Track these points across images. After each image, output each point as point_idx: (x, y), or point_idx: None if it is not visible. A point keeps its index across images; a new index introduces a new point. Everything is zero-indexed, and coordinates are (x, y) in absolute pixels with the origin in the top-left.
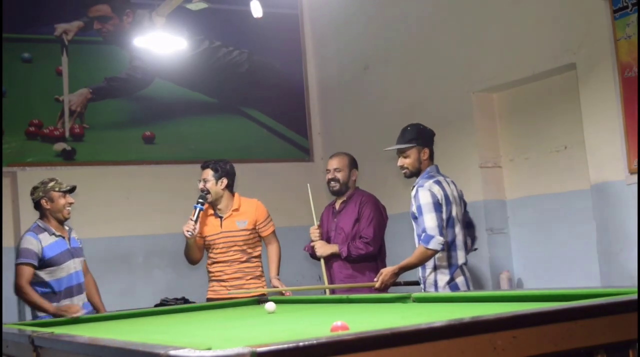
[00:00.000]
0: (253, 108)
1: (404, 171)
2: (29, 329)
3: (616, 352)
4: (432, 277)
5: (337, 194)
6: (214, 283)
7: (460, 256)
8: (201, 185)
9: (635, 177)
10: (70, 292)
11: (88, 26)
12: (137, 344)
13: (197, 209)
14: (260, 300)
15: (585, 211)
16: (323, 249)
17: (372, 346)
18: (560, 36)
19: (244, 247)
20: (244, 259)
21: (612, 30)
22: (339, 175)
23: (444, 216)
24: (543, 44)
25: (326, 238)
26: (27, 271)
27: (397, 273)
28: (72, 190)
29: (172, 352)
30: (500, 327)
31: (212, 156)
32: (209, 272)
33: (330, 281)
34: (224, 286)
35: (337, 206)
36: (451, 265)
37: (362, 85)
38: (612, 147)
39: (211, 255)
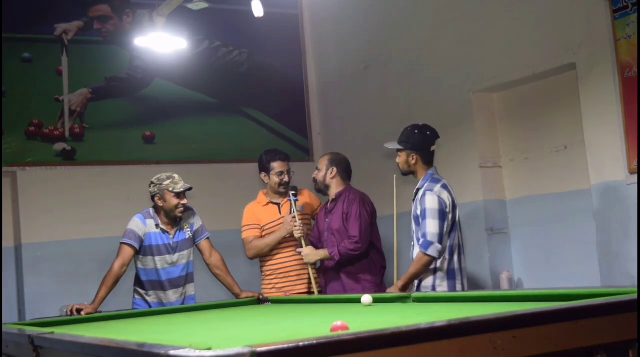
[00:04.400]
0: (253, 108)
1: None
2: (29, 329)
3: (616, 352)
4: (430, 281)
5: (319, 192)
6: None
7: (460, 260)
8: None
9: (635, 177)
10: (165, 284)
11: (88, 26)
12: (137, 344)
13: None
14: (260, 300)
15: (585, 211)
16: (311, 256)
17: (372, 346)
18: (560, 36)
19: None
20: None
21: (612, 30)
22: (318, 176)
23: (449, 222)
24: (543, 44)
25: (319, 239)
26: (126, 252)
27: (405, 286)
28: (187, 190)
29: (172, 352)
30: (500, 327)
31: (212, 156)
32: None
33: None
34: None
35: (329, 205)
36: (450, 270)
37: (362, 85)
38: (612, 147)
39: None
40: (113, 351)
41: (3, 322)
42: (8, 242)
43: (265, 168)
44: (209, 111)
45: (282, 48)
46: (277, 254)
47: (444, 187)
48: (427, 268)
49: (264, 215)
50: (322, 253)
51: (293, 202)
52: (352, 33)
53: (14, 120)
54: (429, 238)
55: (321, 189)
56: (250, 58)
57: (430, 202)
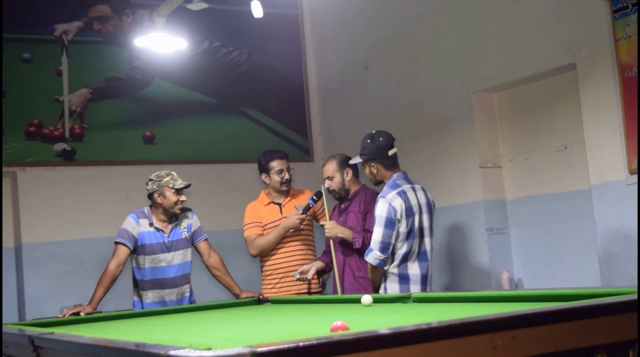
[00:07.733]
0: (253, 108)
1: None
2: (29, 329)
3: (616, 352)
4: (381, 286)
5: (341, 200)
6: None
7: (417, 267)
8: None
9: (635, 177)
10: (160, 284)
11: (88, 26)
12: (137, 344)
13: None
14: (260, 300)
15: (585, 211)
16: (334, 230)
17: (372, 346)
18: (560, 36)
19: None
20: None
21: (612, 30)
22: (333, 185)
23: (403, 229)
24: (543, 44)
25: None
26: (121, 251)
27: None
28: (186, 187)
29: (172, 352)
30: (500, 327)
31: (212, 156)
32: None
33: (341, 276)
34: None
35: (343, 205)
36: (402, 276)
37: (362, 85)
38: (612, 147)
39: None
40: (113, 351)
41: (3, 322)
42: (8, 243)
43: (264, 169)
44: (208, 111)
45: (282, 48)
46: (276, 253)
47: (401, 193)
48: (375, 274)
49: (265, 214)
50: (346, 232)
51: (309, 203)
52: (352, 33)
53: (14, 120)
54: (371, 245)
55: (342, 196)
56: (250, 58)
57: (379, 209)
